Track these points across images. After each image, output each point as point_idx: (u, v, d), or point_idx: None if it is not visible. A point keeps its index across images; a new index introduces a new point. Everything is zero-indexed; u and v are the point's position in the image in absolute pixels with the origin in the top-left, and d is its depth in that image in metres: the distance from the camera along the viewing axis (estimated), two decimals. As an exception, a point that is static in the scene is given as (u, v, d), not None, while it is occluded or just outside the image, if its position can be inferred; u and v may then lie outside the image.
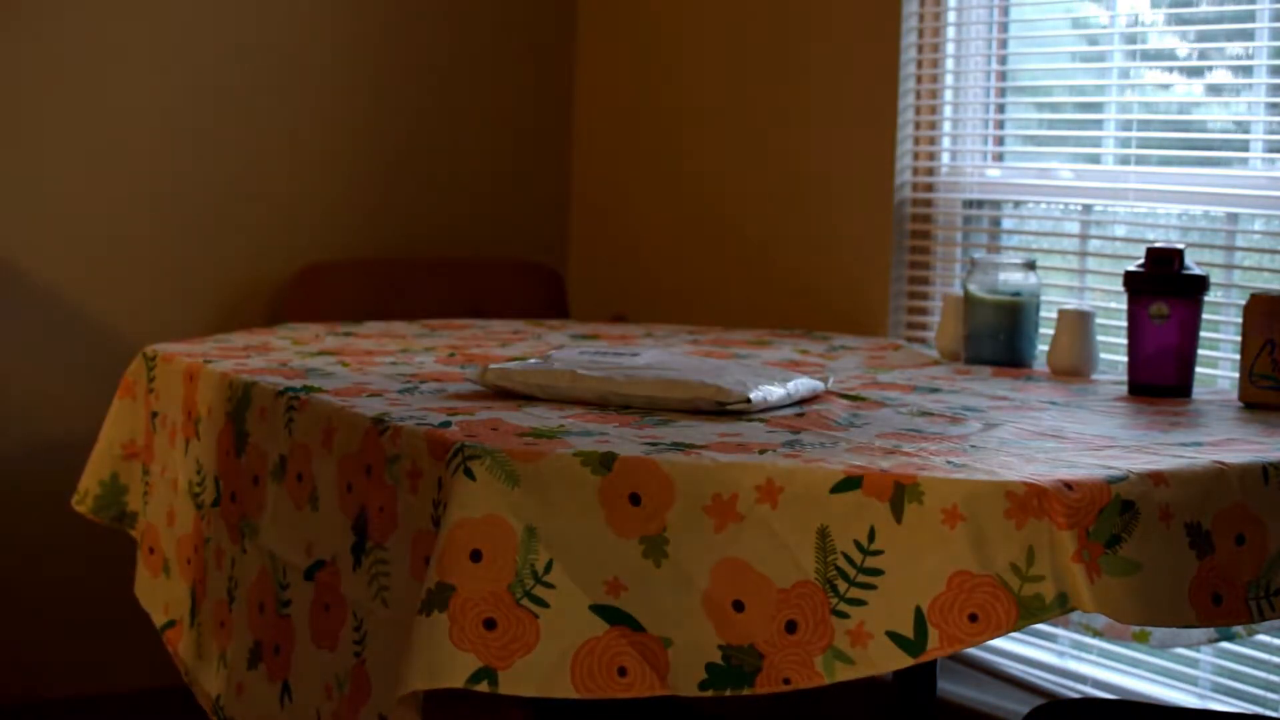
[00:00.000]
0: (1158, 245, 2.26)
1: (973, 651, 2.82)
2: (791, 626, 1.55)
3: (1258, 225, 2.54)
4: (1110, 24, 2.80)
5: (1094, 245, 2.76)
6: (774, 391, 1.95)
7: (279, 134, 3.47)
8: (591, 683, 1.57)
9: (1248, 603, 1.65)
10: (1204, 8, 2.67)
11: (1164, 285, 2.22)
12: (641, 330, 2.89)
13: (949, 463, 1.63)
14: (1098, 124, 2.78)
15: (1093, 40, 2.88)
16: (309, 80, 3.49)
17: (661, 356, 2.13)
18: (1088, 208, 2.78)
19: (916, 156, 3.02)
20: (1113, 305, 2.61)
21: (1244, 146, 2.60)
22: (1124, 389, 2.26)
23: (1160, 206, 2.64)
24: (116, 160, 3.30)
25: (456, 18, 3.65)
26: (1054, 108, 2.94)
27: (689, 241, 3.50)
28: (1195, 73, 2.71)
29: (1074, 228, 2.81)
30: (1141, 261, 2.25)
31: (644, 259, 3.63)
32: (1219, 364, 2.51)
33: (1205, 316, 2.27)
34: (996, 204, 2.95)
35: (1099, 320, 2.46)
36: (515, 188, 3.74)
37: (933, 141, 3.01)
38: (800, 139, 3.21)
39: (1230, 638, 2.33)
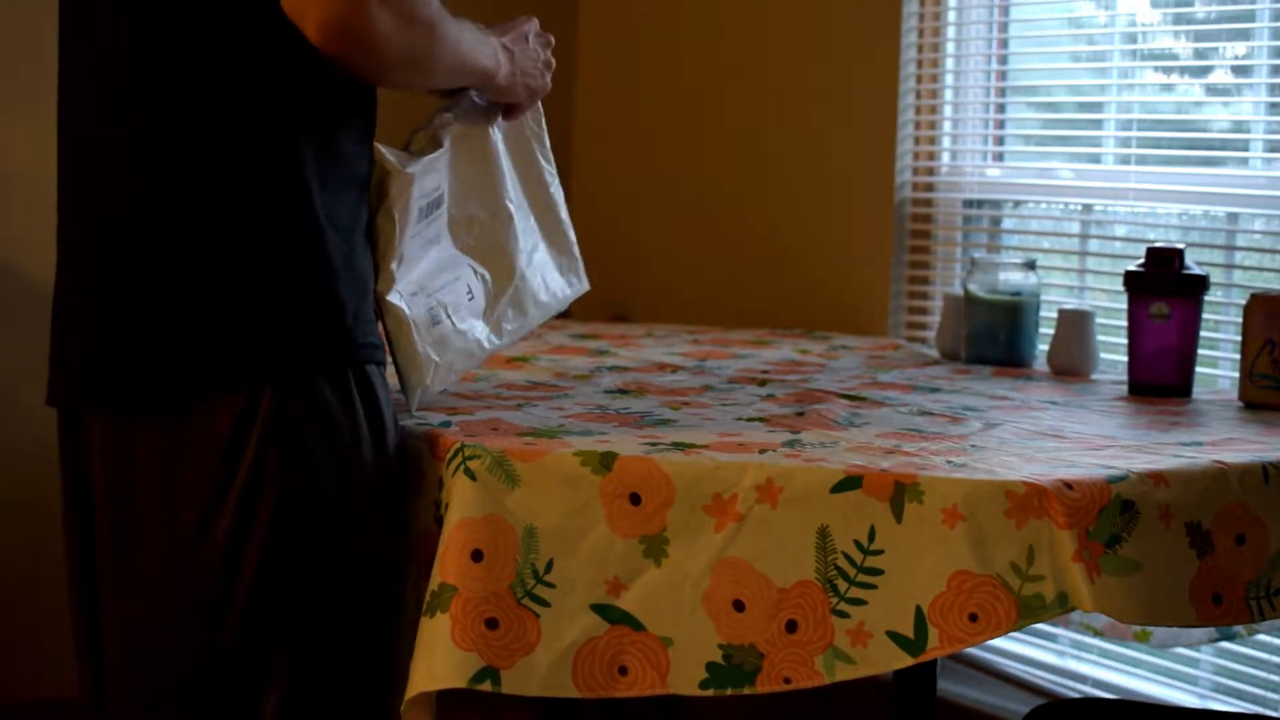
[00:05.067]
0: (1158, 245, 2.26)
1: (973, 651, 2.82)
2: (792, 626, 1.55)
3: (1258, 225, 2.54)
4: (1110, 24, 2.80)
5: (1094, 245, 2.76)
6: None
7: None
8: (593, 682, 1.57)
9: (1248, 602, 1.65)
10: (1204, 8, 2.67)
11: (1164, 285, 2.22)
12: (642, 330, 2.89)
13: (949, 462, 1.63)
14: (1098, 124, 2.78)
15: (1092, 40, 2.88)
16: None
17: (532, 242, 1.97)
18: (1088, 208, 2.78)
19: (916, 156, 3.02)
20: (1113, 305, 2.61)
21: (1244, 146, 2.60)
22: (1124, 389, 2.26)
23: (1160, 206, 2.64)
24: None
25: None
26: (1054, 108, 2.94)
27: (689, 241, 3.50)
28: (1195, 73, 2.71)
29: (1074, 228, 2.81)
30: (1142, 261, 2.25)
31: (644, 259, 3.63)
32: (1219, 364, 2.50)
33: (1205, 316, 2.27)
34: (996, 204, 2.95)
35: (1099, 320, 2.46)
36: (515, 188, 3.74)
37: (933, 141, 3.01)
38: (800, 139, 3.21)
39: (1230, 638, 2.33)
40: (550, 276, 1.99)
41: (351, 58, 1.56)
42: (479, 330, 1.89)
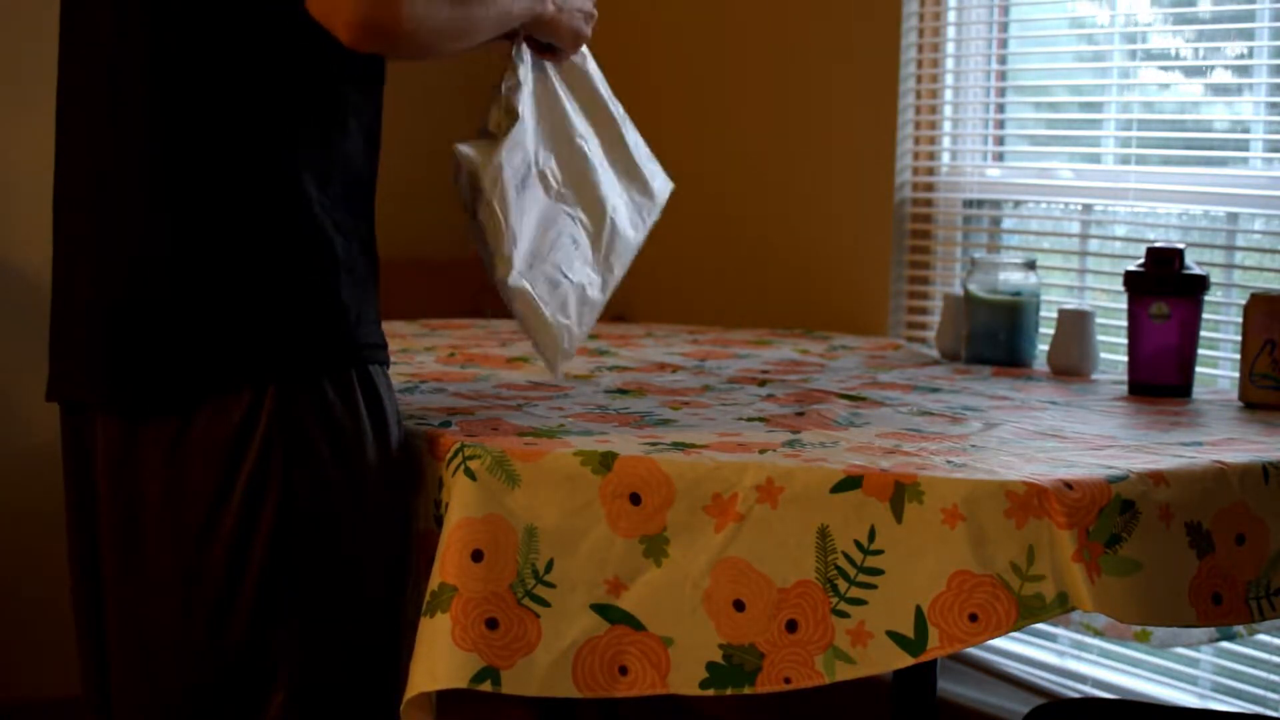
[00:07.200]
0: (1158, 245, 2.26)
1: (973, 651, 2.82)
2: (792, 626, 1.55)
3: (1258, 225, 2.54)
4: (1110, 24, 2.80)
5: (1094, 245, 2.76)
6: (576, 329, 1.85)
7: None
8: (593, 682, 1.57)
9: (1248, 602, 1.65)
10: (1204, 7, 2.67)
11: (1164, 285, 2.22)
12: (642, 330, 2.89)
13: (949, 462, 1.63)
14: (1098, 124, 2.78)
15: (1093, 40, 2.88)
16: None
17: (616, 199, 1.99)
18: (1088, 208, 2.78)
19: (916, 156, 3.02)
20: (1113, 305, 2.61)
21: (1244, 146, 2.60)
22: (1124, 389, 2.26)
23: (1160, 206, 2.64)
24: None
25: (457, 18, 3.64)
26: (1054, 108, 2.94)
27: (689, 241, 3.50)
28: (1195, 73, 2.71)
29: (1074, 228, 2.81)
30: (1142, 261, 2.25)
31: (644, 259, 3.62)
32: (1219, 364, 2.50)
33: (1205, 316, 2.27)
34: (996, 204, 2.95)
35: (1099, 320, 2.46)
36: (515, 188, 3.74)
37: (933, 141, 3.01)
38: (800, 139, 3.21)
39: (1230, 638, 2.33)
40: (635, 196, 2.01)
41: (389, 50, 1.56)
42: (592, 278, 1.90)
